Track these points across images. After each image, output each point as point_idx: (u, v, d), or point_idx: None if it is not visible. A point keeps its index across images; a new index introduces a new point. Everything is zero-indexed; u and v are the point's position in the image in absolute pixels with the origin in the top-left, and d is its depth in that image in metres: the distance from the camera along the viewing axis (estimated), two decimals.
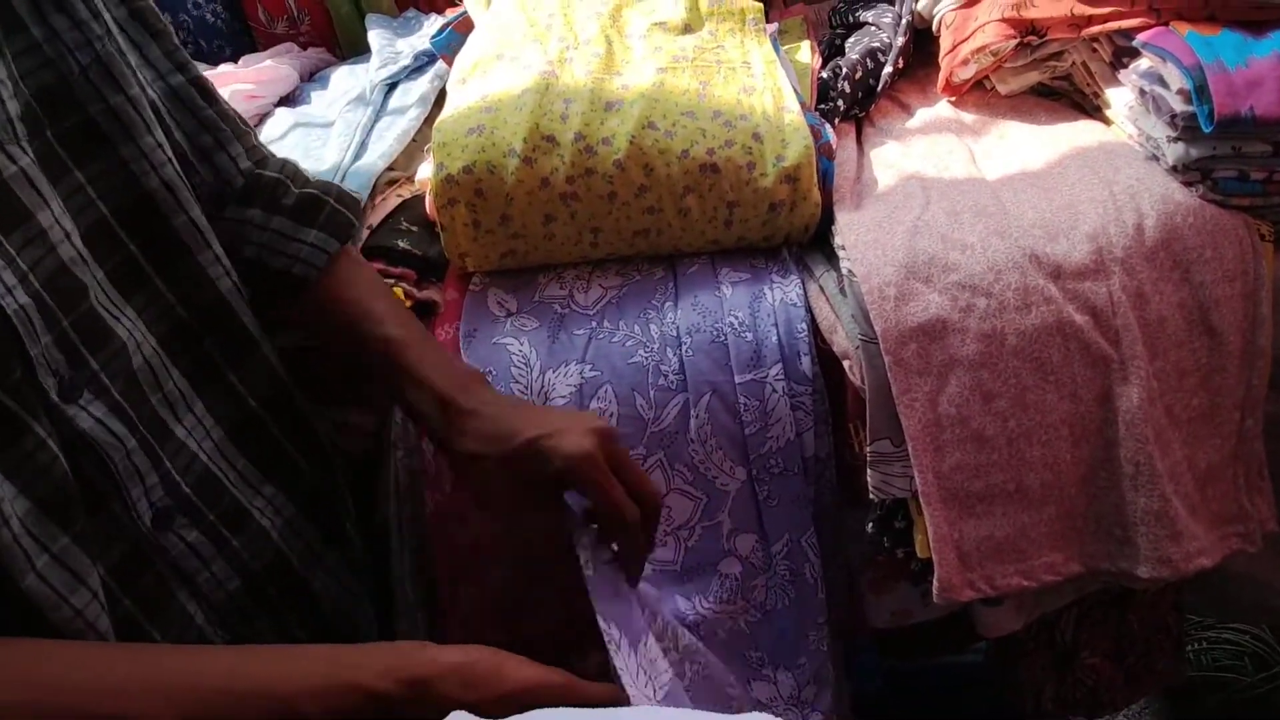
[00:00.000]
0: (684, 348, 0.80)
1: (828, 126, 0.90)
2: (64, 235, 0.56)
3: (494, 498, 0.67)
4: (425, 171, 0.88)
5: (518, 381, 0.80)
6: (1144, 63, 0.83)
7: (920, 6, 1.01)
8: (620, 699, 0.61)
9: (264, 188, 0.72)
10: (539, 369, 0.80)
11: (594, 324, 0.83)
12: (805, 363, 0.80)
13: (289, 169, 0.74)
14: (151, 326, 0.62)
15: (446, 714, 0.53)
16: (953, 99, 0.99)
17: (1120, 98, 0.88)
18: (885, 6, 1.05)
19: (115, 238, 0.60)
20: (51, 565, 0.51)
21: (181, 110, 0.68)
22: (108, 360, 0.57)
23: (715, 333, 0.81)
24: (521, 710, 0.53)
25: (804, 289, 0.84)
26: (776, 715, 0.55)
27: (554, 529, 0.68)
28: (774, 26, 1.02)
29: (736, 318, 0.81)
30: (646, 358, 0.80)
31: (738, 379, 0.79)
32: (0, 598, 0.50)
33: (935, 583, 0.77)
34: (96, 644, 0.53)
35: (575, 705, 0.60)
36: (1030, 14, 0.89)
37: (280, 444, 0.70)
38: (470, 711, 0.53)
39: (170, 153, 0.63)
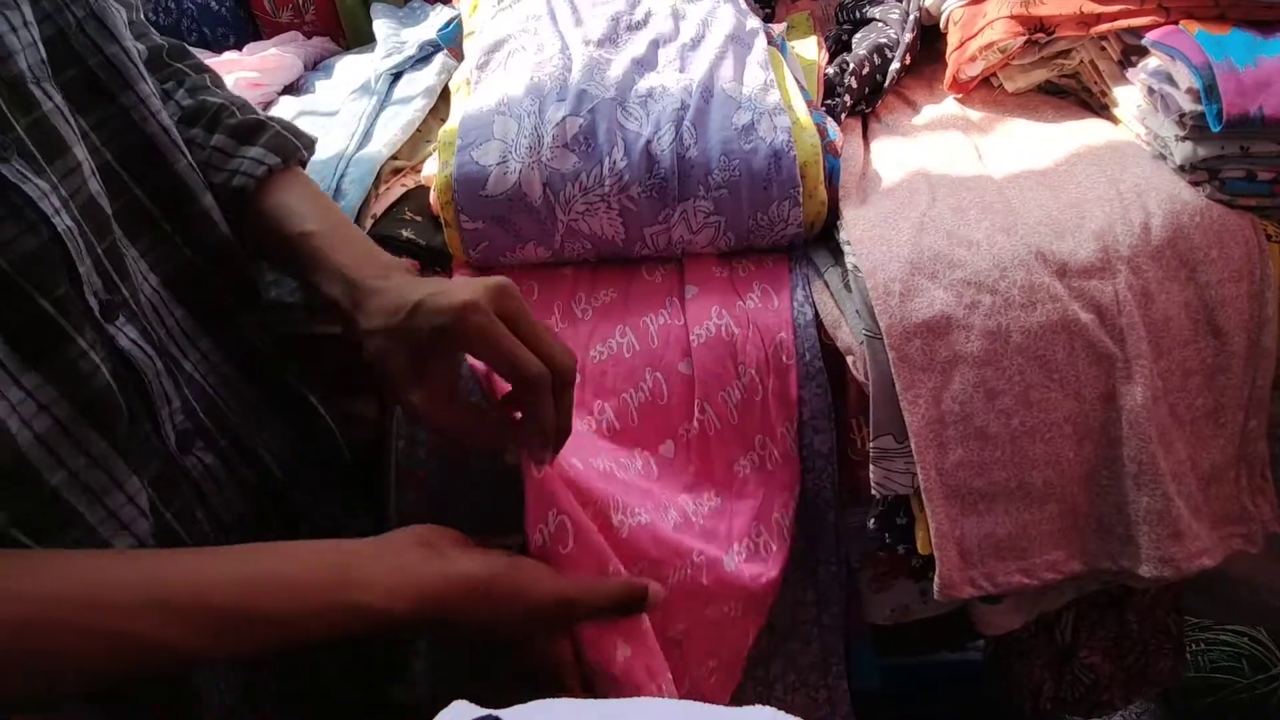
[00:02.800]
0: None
1: (833, 124, 0.90)
2: (91, 171, 0.58)
3: (395, 378, 0.61)
4: (431, 167, 0.87)
5: None
6: (1153, 61, 0.83)
7: (928, 3, 1.01)
8: (635, 591, 0.60)
9: (207, 110, 0.72)
10: None
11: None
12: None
13: (238, 100, 0.74)
14: (155, 267, 0.63)
15: (457, 627, 0.52)
16: (959, 96, 0.99)
17: (1128, 96, 0.88)
18: (893, 3, 1.05)
19: (121, 181, 0.62)
20: (90, 467, 0.53)
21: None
22: (131, 291, 0.59)
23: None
24: (541, 622, 0.53)
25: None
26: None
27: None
28: (781, 25, 1.02)
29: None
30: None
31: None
32: (32, 499, 0.51)
33: (936, 580, 0.77)
34: (96, 553, 0.53)
35: (599, 609, 0.60)
36: (1039, 11, 0.89)
37: (289, 385, 0.71)
38: (488, 625, 0.52)
39: (159, 102, 0.64)
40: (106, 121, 0.62)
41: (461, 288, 0.59)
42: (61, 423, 0.52)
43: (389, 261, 0.67)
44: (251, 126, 0.72)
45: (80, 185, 0.57)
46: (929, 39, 1.04)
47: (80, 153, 0.57)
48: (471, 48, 0.95)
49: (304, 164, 0.75)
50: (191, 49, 0.78)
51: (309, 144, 0.75)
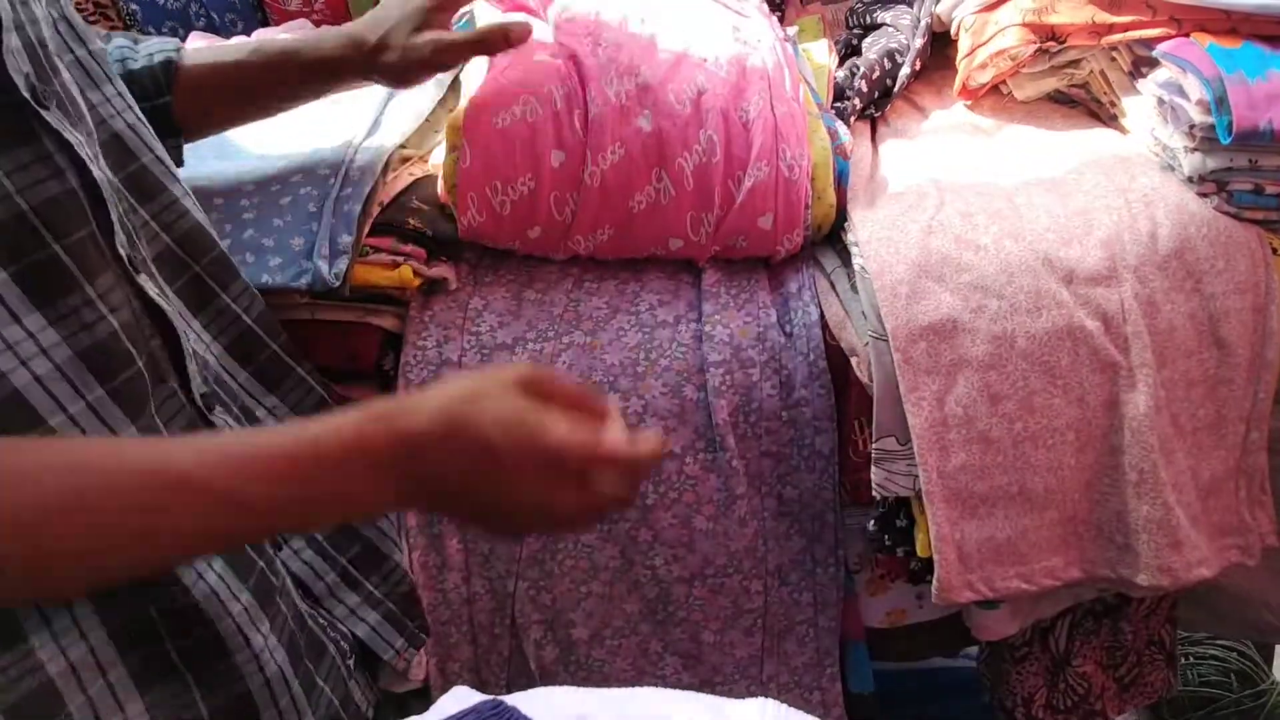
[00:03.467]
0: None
1: (843, 127, 0.90)
2: (94, 155, 0.59)
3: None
4: (439, 156, 0.87)
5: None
6: (1163, 73, 0.83)
7: (940, 9, 1.01)
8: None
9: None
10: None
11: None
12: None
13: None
14: (145, 250, 0.64)
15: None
16: (969, 102, 0.99)
17: (1138, 107, 0.88)
18: (903, 8, 1.05)
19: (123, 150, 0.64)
20: (85, 412, 0.53)
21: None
22: (143, 256, 0.60)
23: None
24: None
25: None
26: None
27: None
28: (793, 29, 1.02)
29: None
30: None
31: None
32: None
33: (935, 582, 0.77)
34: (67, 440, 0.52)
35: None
36: (1051, 20, 0.89)
37: (280, 358, 0.72)
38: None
39: (130, 100, 0.66)
40: (77, 120, 0.63)
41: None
42: (60, 366, 0.52)
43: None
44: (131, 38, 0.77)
45: (97, 151, 0.58)
46: (939, 45, 1.04)
47: (85, 128, 0.58)
48: None
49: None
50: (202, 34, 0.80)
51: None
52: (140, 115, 0.67)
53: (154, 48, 0.76)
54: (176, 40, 0.78)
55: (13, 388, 0.50)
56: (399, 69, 0.77)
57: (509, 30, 0.77)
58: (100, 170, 0.55)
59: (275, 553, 0.66)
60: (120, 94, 0.65)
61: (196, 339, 0.66)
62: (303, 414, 0.73)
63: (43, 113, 0.52)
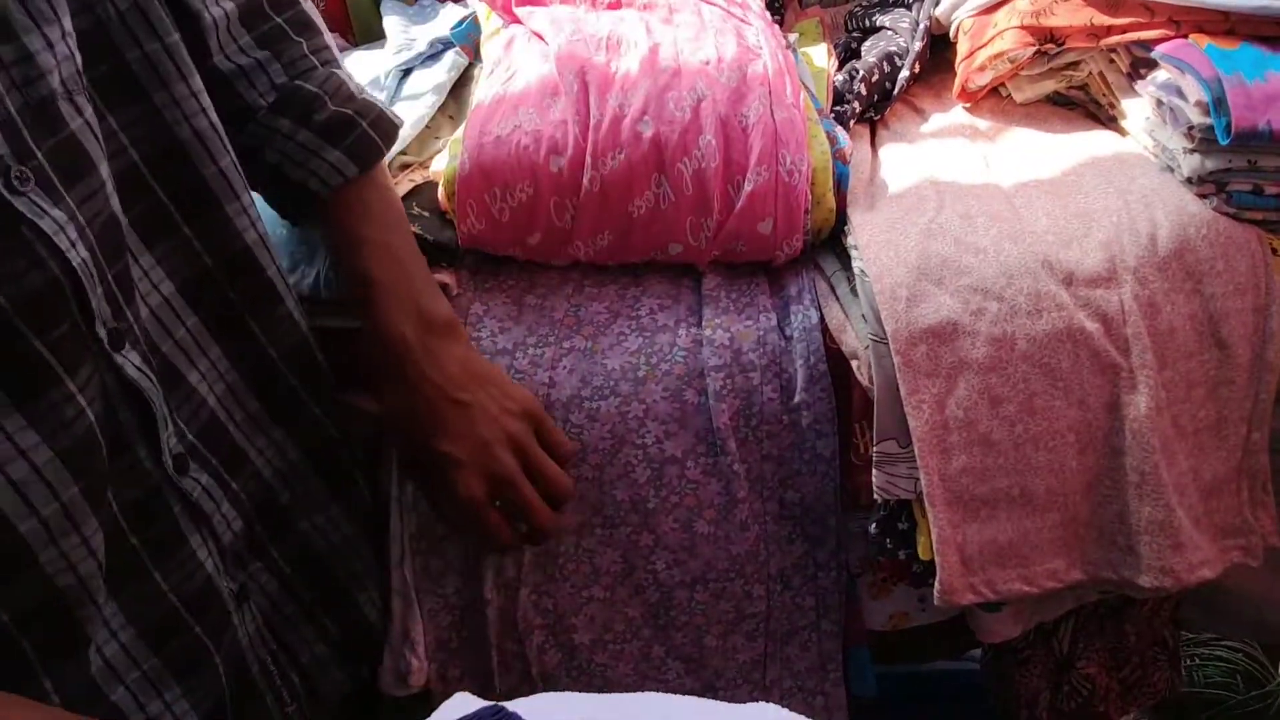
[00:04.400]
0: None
1: (842, 131, 0.90)
2: (113, 188, 0.57)
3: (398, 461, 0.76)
4: (440, 163, 0.88)
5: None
6: (1162, 74, 0.83)
7: (938, 12, 1.01)
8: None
9: (299, 100, 0.72)
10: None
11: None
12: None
13: (332, 84, 0.73)
14: (172, 273, 0.63)
15: None
16: (968, 105, 0.99)
17: (1136, 108, 0.88)
18: (902, 11, 1.05)
19: (144, 183, 0.61)
20: (58, 514, 0.52)
21: (232, 32, 0.70)
22: (134, 314, 0.59)
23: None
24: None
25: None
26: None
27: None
28: (793, 35, 1.02)
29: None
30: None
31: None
32: None
33: (937, 585, 0.77)
34: None
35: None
36: (1050, 22, 0.89)
37: (296, 392, 0.71)
38: None
39: (206, 100, 0.63)
40: (138, 120, 0.60)
41: (471, 472, 0.71)
42: (38, 469, 0.51)
43: (432, 320, 0.72)
44: (338, 124, 0.72)
45: (101, 207, 0.56)
46: (938, 48, 1.04)
47: (104, 170, 0.56)
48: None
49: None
50: None
51: (393, 133, 0.76)
52: (215, 119, 0.64)
53: (333, 160, 0.71)
54: (352, 169, 0.72)
55: None
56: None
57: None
58: (82, 251, 0.52)
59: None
60: (194, 94, 0.62)
61: (205, 373, 0.65)
62: (309, 450, 0.73)
63: (14, 201, 0.49)
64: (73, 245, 0.52)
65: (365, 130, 0.73)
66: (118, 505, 0.57)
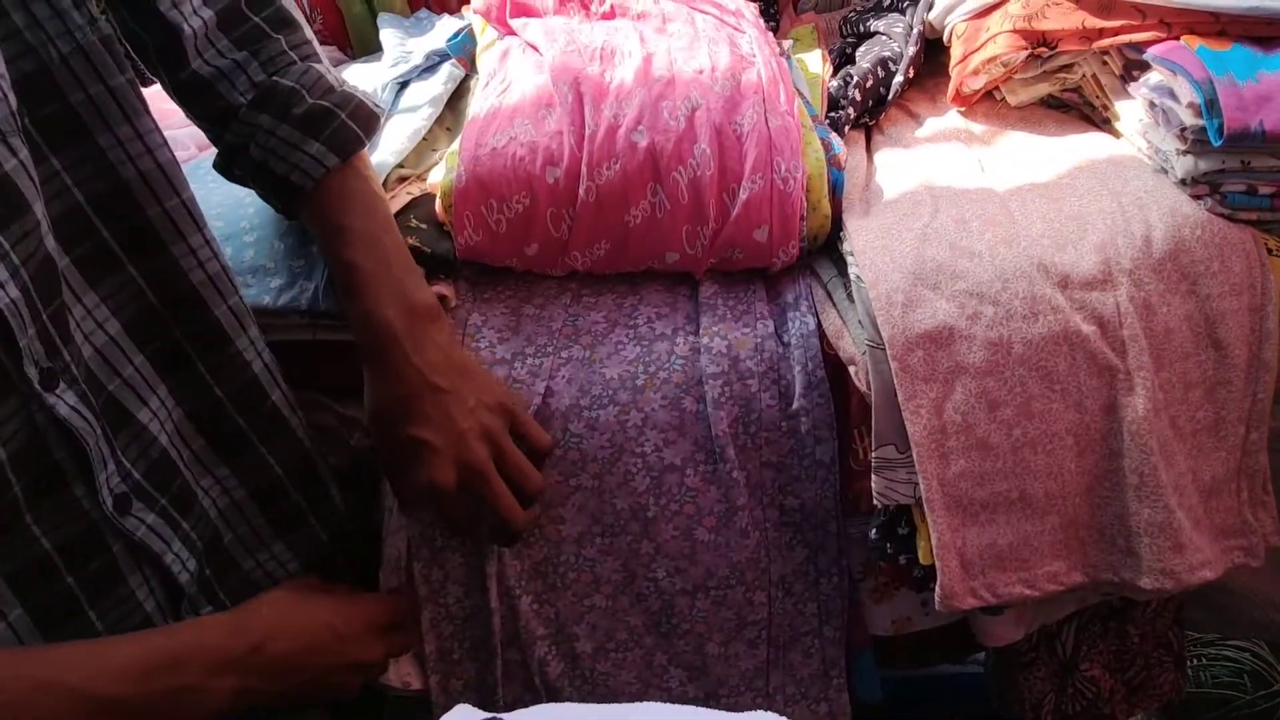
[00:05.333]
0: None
1: (837, 138, 0.91)
2: (48, 228, 0.57)
3: (380, 461, 0.75)
4: (437, 175, 0.88)
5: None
6: (1154, 76, 0.84)
7: (931, 16, 1.01)
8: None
9: (278, 95, 0.72)
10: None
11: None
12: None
13: (309, 77, 0.74)
14: (117, 312, 0.63)
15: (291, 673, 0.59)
16: (962, 109, 1.00)
17: (1130, 110, 0.88)
18: (896, 16, 1.06)
19: (88, 224, 0.61)
20: None
21: (210, 38, 0.72)
22: (74, 354, 0.58)
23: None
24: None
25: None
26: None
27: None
28: (788, 41, 1.03)
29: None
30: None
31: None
32: None
33: (938, 590, 0.77)
34: None
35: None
36: (1042, 26, 0.89)
37: (243, 433, 0.71)
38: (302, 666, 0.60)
39: (155, 140, 0.64)
40: (82, 161, 0.61)
41: (444, 456, 0.71)
42: None
43: (414, 306, 0.72)
44: (317, 117, 0.72)
45: (36, 247, 0.55)
46: (932, 52, 1.05)
47: (39, 209, 0.56)
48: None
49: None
50: None
51: (373, 122, 0.76)
52: (170, 155, 0.64)
53: (314, 152, 0.72)
54: (333, 159, 0.72)
55: None
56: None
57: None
58: (14, 290, 0.53)
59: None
60: (141, 135, 0.62)
61: (155, 411, 0.64)
62: (253, 490, 0.73)
63: None
64: (2, 286, 0.52)
65: (344, 121, 0.73)
66: (51, 543, 0.57)
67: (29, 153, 0.56)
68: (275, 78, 0.73)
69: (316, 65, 0.76)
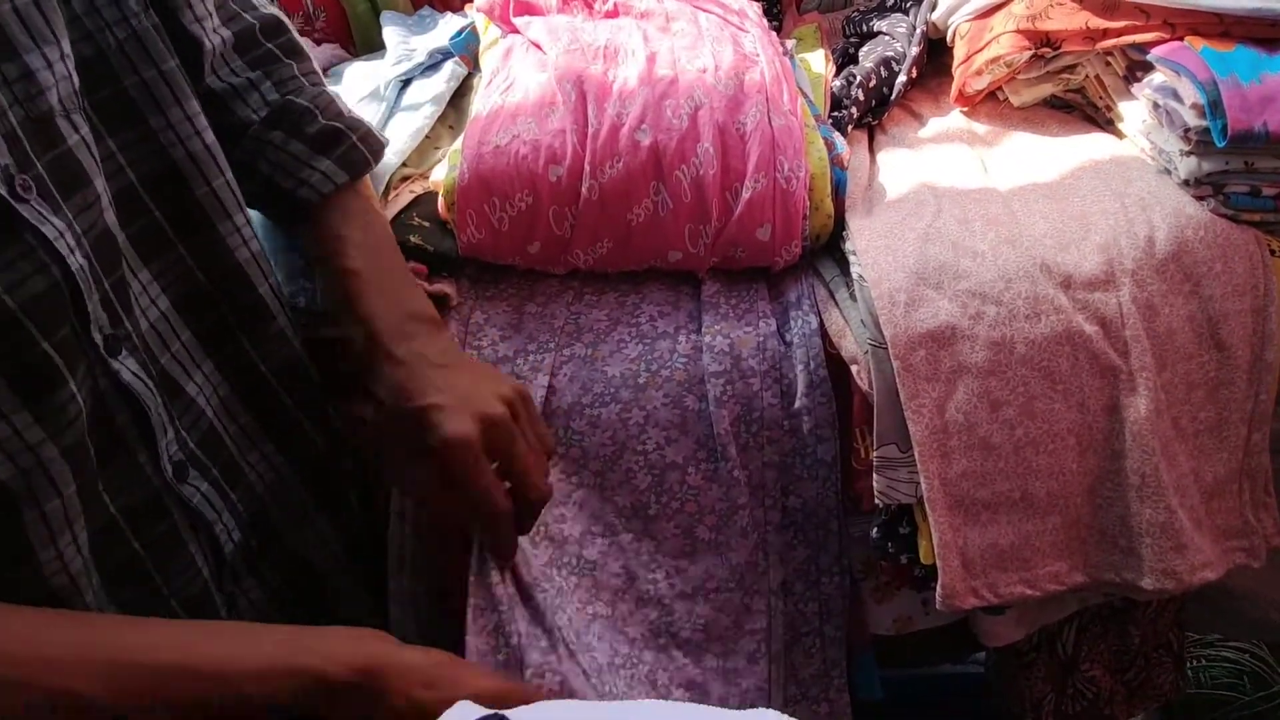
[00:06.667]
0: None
1: (840, 138, 0.91)
2: (109, 202, 0.59)
3: (383, 449, 0.69)
4: (440, 173, 0.88)
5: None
6: (1158, 77, 0.84)
7: (935, 17, 1.01)
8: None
9: (291, 113, 0.74)
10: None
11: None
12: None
13: (322, 100, 0.76)
14: (166, 290, 0.64)
15: (395, 711, 0.53)
16: (965, 109, 1.00)
17: (1133, 111, 0.88)
18: (899, 16, 1.06)
19: (141, 203, 0.63)
20: (57, 508, 0.54)
21: (225, 57, 0.73)
22: (133, 324, 0.60)
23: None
24: None
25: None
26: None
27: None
28: (791, 41, 1.03)
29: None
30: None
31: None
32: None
33: (939, 589, 0.77)
34: (36, 610, 0.53)
35: None
36: (1045, 26, 0.89)
37: (287, 409, 0.72)
38: (423, 713, 0.53)
39: (201, 123, 0.65)
40: (135, 143, 0.63)
41: (462, 410, 0.65)
42: (44, 463, 0.53)
43: (416, 314, 0.71)
44: (329, 136, 0.74)
45: (96, 219, 0.58)
46: (935, 52, 1.05)
47: (100, 184, 0.58)
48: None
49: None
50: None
51: (380, 150, 0.78)
52: (212, 139, 0.66)
53: (324, 169, 0.72)
54: (341, 176, 0.73)
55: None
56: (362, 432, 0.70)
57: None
58: (79, 257, 0.55)
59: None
60: (189, 118, 0.64)
61: (201, 386, 0.66)
62: (297, 464, 0.73)
63: (19, 207, 0.51)
64: (71, 251, 0.54)
65: (355, 143, 0.75)
66: (117, 508, 0.59)
67: (90, 130, 0.58)
68: (289, 97, 0.75)
69: (327, 90, 0.78)
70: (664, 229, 0.83)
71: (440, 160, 0.94)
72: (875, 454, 0.78)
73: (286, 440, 0.72)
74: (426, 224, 0.87)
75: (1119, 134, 0.92)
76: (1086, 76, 0.94)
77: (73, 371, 0.54)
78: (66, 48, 0.57)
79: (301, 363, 0.73)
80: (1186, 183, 0.82)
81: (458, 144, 0.86)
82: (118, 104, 0.62)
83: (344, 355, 0.71)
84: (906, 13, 1.05)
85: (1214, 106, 0.77)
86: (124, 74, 0.62)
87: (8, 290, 0.50)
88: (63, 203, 0.55)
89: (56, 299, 0.53)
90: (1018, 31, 0.91)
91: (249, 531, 0.69)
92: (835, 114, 0.96)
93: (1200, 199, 0.81)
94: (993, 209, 0.84)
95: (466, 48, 1.04)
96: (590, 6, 1.03)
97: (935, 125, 0.99)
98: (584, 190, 0.81)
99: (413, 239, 0.85)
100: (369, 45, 1.23)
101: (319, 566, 0.75)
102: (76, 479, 0.54)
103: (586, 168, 0.81)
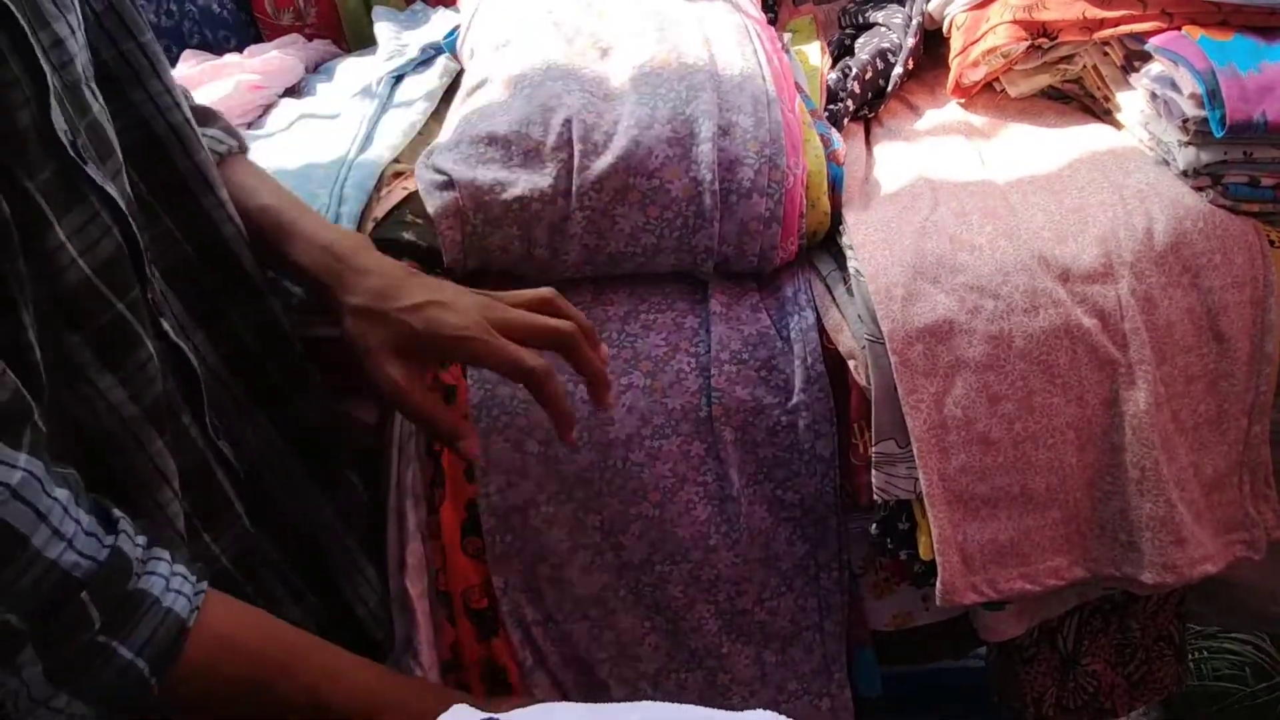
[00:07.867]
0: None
1: (836, 134, 0.90)
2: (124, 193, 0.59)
3: (374, 354, 0.66)
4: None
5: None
6: (1156, 66, 0.83)
7: (931, 7, 1.01)
8: None
9: None
10: None
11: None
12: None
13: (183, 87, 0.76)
14: (158, 260, 0.64)
15: None
16: (962, 101, 0.99)
17: (1131, 101, 0.88)
18: (895, 7, 1.05)
19: (129, 176, 0.63)
20: (146, 462, 0.55)
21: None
22: (152, 289, 0.61)
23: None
24: None
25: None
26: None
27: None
28: (787, 34, 1.02)
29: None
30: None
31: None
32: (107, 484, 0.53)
33: (939, 585, 0.77)
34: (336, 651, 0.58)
35: None
36: (1042, 16, 0.89)
37: (278, 385, 0.72)
38: None
39: (179, 96, 0.65)
40: (119, 114, 0.62)
41: (457, 305, 0.65)
42: (127, 422, 0.54)
43: (353, 234, 0.72)
44: (204, 112, 0.75)
45: (125, 187, 0.58)
46: (932, 44, 1.04)
47: (120, 154, 0.59)
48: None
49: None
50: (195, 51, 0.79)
51: (245, 144, 0.78)
52: (188, 115, 0.66)
53: (212, 134, 0.73)
54: (232, 141, 0.74)
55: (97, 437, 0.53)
56: (347, 349, 0.68)
57: (459, 444, 0.68)
58: (130, 218, 0.56)
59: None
60: (168, 89, 0.64)
61: (190, 355, 0.66)
62: (290, 437, 0.73)
63: (86, 168, 0.52)
64: (125, 212, 0.55)
65: (228, 123, 0.75)
66: (177, 465, 0.60)
67: (103, 105, 0.59)
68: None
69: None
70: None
71: None
72: (873, 449, 0.77)
73: (279, 413, 0.72)
74: (419, 221, 0.86)
75: (1117, 124, 0.91)
76: (1084, 67, 0.93)
77: (146, 332, 0.55)
78: (78, 19, 0.57)
79: (289, 342, 0.73)
80: (1185, 173, 0.81)
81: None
82: (101, 76, 0.61)
83: (299, 278, 0.70)
84: (902, 4, 1.05)
85: (1212, 96, 0.76)
86: (103, 46, 0.61)
87: (82, 254, 0.51)
88: (99, 168, 0.55)
89: (123, 261, 0.54)
90: (1014, 22, 0.90)
91: (252, 496, 0.70)
92: (831, 107, 0.96)
93: (1199, 190, 0.80)
94: (990, 202, 0.83)
95: (459, 46, 1.03)
96: None
97: (932, 117, 0.98)
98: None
99: (405, 235, 0.85)
100: (361, 41, 1.22)
101: (315, 537, 0.75)
102: (162, 436, 0.56)
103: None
